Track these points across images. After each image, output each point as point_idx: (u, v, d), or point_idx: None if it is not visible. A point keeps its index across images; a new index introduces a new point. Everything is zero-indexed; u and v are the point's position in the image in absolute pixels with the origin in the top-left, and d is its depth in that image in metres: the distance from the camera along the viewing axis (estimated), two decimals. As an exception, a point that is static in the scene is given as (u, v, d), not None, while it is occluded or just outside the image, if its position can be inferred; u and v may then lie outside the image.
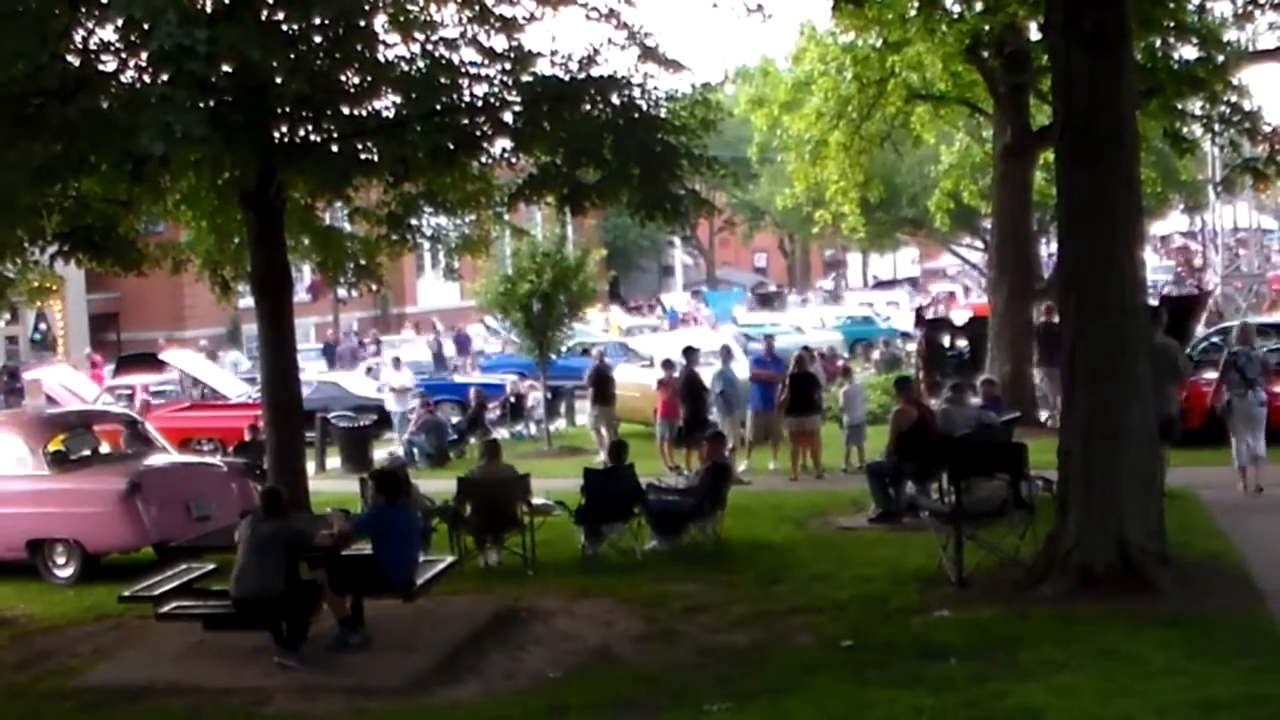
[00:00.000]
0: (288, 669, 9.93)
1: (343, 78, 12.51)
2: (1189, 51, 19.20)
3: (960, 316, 29.53)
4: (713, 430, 17.11)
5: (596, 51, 12.95)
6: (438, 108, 12.74)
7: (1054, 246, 21.31)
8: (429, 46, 12.84)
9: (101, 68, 11.85)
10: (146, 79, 11.26)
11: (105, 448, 16.66)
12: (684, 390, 19.79)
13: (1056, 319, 15.40)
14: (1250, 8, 18.63)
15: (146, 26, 9.91)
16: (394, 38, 12.76)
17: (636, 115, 12.74)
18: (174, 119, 9.65)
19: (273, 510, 10.45)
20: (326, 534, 10.68)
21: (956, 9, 19.16)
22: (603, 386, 22.83)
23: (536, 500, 13.85)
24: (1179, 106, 19.75)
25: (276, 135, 12.79)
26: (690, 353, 20.81)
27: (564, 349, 25.81)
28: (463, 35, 13.02)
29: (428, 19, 12.91)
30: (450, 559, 12.26)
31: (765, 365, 20.82)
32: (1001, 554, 11.58)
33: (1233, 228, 42.77)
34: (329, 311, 46.37)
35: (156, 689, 9.84)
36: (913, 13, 18.92)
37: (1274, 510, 13.66)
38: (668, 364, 21.31)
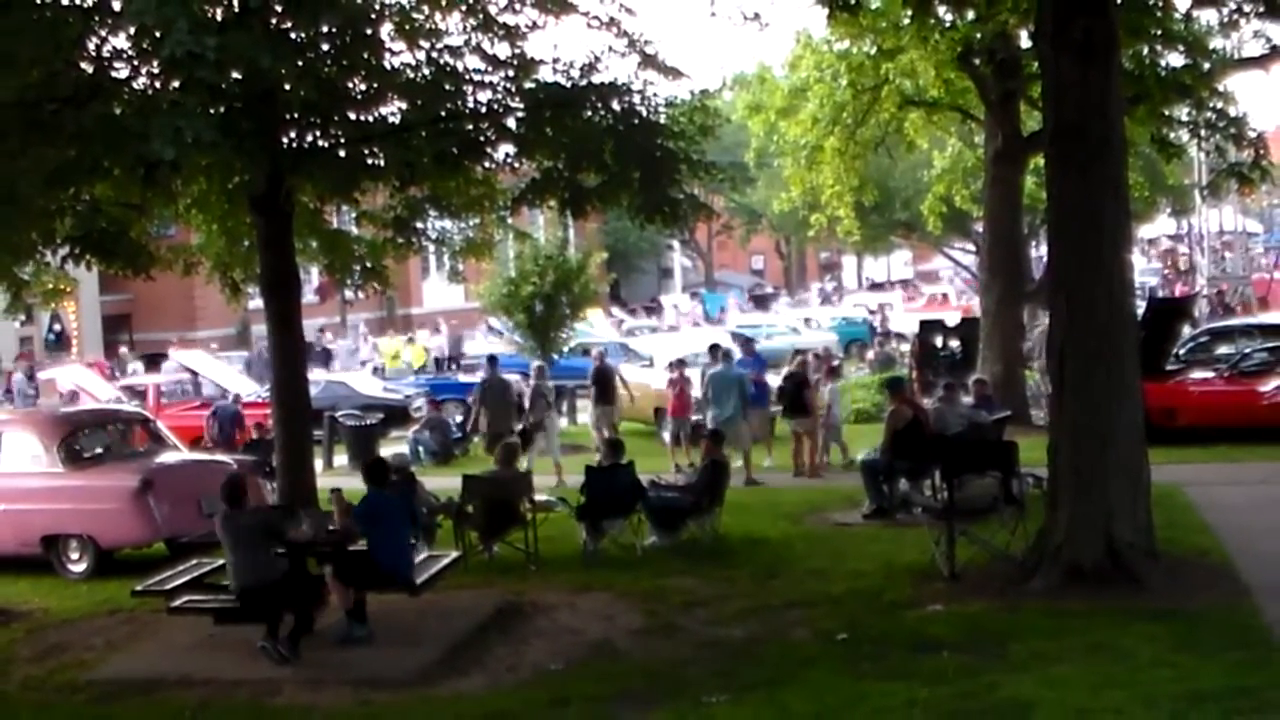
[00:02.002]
0: (280, 658, 9.93)
1: (350, 84, 12.51)
2: (1176, 59, 19.22)
3: (952, 318, 29.54)
4: (712, 429, 17.08)
5: (597, 59, 12.95)
6: (442, 114, 12.74)
7: (1044, 249, 21.33)
8: (434, 54, 12.83)
9: (114, 74, 11.83)
10: (158, 85, 11.26)
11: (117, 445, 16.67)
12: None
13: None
14: (1236, 16, 18.62)
15: (158, 34, 9.89)
16: (400, 45, 12.76)
17: (636, 121, 12.74)
18: (185, 125, 9.64)
19: (235, 500, 10.47)
20: (329, 528, 10.70)
21: (949, 17, 19.15)
22: (604, 386, 22.76)
23: (539, 497, 13.86)
24: (1166, 113, 19.77)
25: (285, 140, 12.79)
26: (716, 350, 20.72)
27: (565, 349, 25.80)
28: (467, 43, 13.02)
29: (433, 27, 12.91)
30: (454, 554, 12.27)
31: (746, 365, 20.79)
32: (993, 550, 11.59)
33: (1219, 231, 42.69)
34: (336, 313, 46.37)
35: (168, 681, 9.84)
36: (906, 21, 18.91)
37: (1260, 507, 13.66)
38: (681, 364, 21.14)
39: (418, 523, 12.35)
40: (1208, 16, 19.43)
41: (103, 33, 11.45)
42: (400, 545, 10.76)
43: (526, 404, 20.76)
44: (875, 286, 70.00)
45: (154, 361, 32.70)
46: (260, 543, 10.16)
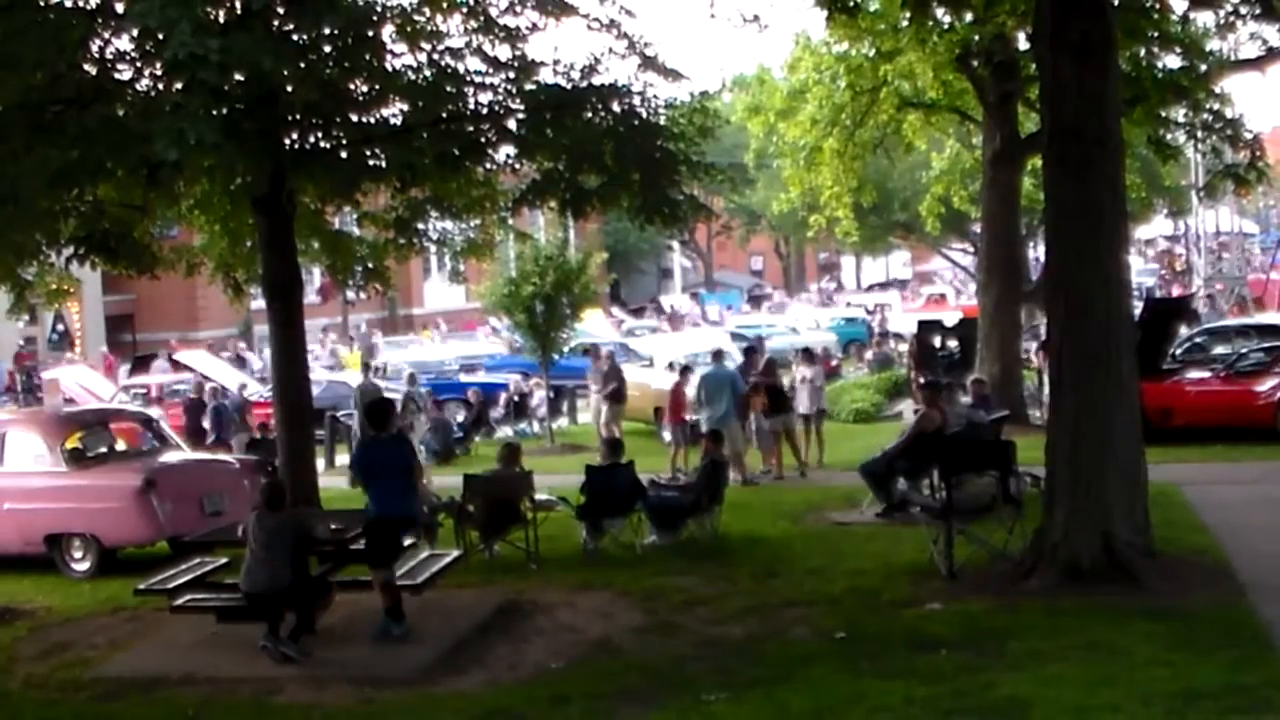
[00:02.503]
0: (282, 657, 9.92)
1: (352, 86, 12.52)
2: (1173, 60, 19.21)
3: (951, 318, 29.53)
4: (710, 428, 17.06)
5: (598, 61, 12.96)
6: (444, 115, 12.76)
7: (1042, 250, 21.34)
8: (435, 56, 12.85)
9: (117, 76, 11.86)
10: (161, 87, 11.28)
11: (121, 445, 16.69)
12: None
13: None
14: (1232, 18, 18.62)
15: (161, 36, 9.91)
16: (401, 47, 12.78)
17: (636, 122, 12.75)
18: (188, 126, 9.65)
19: (275, 504, 10.42)
20: (333, 527, 10.68)
21: (947, 20, 19.15)
22: (617, 385, 22.75)
23: (540, 496, 13.86)
24: (1163, 114, 19.76)
25: (287, 142, 12.80)
26: (719, 355, 20.70)
27: (566, 349, 25.80)
28: (468, 45, 13.03)
29: (434, 29, 12.93)
30: (456, 553, 12.27)
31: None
32: (991, 548, 11.58)
33: (1215, 232, 42.78)
34: (338, 313, 46.39)
35: (171, 679, 9.84)
36: (904, 23, 18.91)
37: (1255, 506, 13.66)
38: (686, 369, 21.03)
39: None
40: (1204, 18, 19.44)
41: (106, 35, 11.48)
42: (399, 490, 10.46)
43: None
44: (873, 288, 70.02)
45: (144, 362, 32.65)
46: (282, 547, 10.10)
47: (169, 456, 15.56)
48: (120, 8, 10.96)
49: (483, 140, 13.05)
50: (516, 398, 28.37)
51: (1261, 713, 7.53)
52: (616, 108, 12.78)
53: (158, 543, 14.37)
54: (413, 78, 12.64)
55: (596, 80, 12.87)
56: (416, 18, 12.69)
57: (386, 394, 27.57)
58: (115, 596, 12.71)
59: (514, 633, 10.62)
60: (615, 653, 9.96)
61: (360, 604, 10.91)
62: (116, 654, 10.84)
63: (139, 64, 11.64)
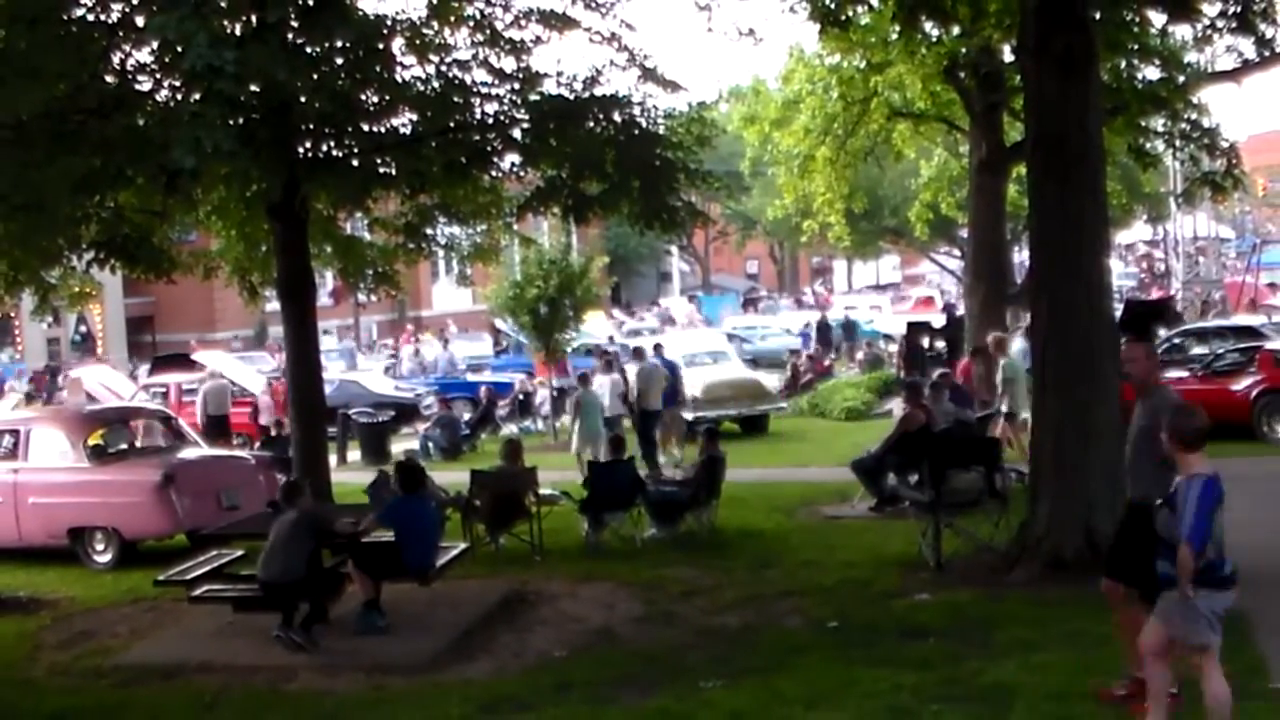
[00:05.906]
0: (295, 645, 9.91)
1: (363, 97, 12.50)
2: (1152, 72, 19.19)
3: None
4: (708, 425, 17.08)
5: (599, 72, 12.94)
6: (451, 125, 12.75)
7: (1026, 254, 21.34)
8: (443, 68, 12.83)
9: (137, 87, 11.85)
10: (179, 97, 11.26)
11: (140, 441, 16.69)
12: None
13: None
14: (1209, 31, 18.56)
15: (179, 48, 9.89)
16: (410, 59, 12.76)
17: (637, 132, 12.74)
18: (205, 135, 9.63)
19: (290, 501, 10.43)
20: (348, 521, 10.67)
21: (935, 32, 19.12)
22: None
23: (543, 491, 13.85)
24: (1143, 123, 19.72)
25: (301, 150, 12.78)
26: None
27: (568, 349, 25.81)
28: (474, 57, 13.01)
29: (442, 42, 12.91)
30: (463, 546, 12.27)
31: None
32: (977, 541, 11.58)
33: (1193, 237, 42.68)
34: (350, 315, 46.39)
35: (189, 667, 9.84)
36: (894, 36, 18.87)
37: (1231, 501, 13.58)
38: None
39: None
40: (1183, 32, 19.40)
41: (126, 47, 11.47)
42: (428, 546, 10.79)
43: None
44: (864, 290, 69.96)
45: (169, 362, 32.62)
46: (299, 539, 10.09)
47: (187, 452, 15.57)
48: (140, 21, 10.95)
49: (489, 149, 13.03)
50: (521, 396, 28.39)
51: (1239, 699, 7.51)
52: (617, 117, 12.76)
53: (176, 535, 14.38)
54: (421, 89, 12.63)
55: (598, 91, 12.86)
56: (425, 31, 12.66)
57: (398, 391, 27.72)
58: (136, 587, 12.72)
59: (519, 622, 10.61)
60: (616, 641, 9.95)
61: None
62: (137, 642, 10.84)
63: (158, 75, 11.62)
